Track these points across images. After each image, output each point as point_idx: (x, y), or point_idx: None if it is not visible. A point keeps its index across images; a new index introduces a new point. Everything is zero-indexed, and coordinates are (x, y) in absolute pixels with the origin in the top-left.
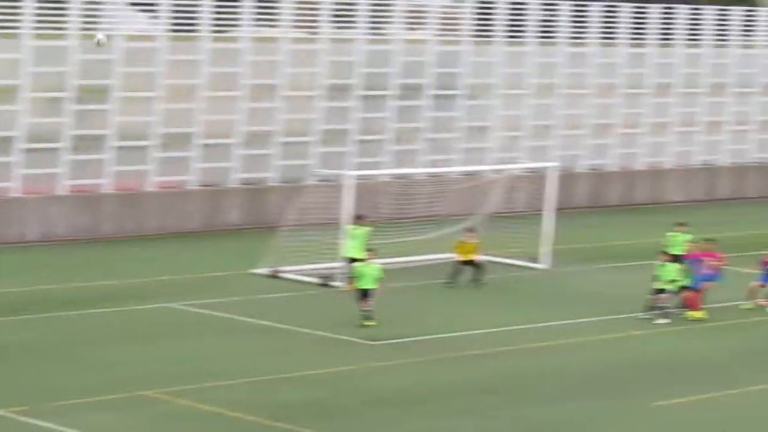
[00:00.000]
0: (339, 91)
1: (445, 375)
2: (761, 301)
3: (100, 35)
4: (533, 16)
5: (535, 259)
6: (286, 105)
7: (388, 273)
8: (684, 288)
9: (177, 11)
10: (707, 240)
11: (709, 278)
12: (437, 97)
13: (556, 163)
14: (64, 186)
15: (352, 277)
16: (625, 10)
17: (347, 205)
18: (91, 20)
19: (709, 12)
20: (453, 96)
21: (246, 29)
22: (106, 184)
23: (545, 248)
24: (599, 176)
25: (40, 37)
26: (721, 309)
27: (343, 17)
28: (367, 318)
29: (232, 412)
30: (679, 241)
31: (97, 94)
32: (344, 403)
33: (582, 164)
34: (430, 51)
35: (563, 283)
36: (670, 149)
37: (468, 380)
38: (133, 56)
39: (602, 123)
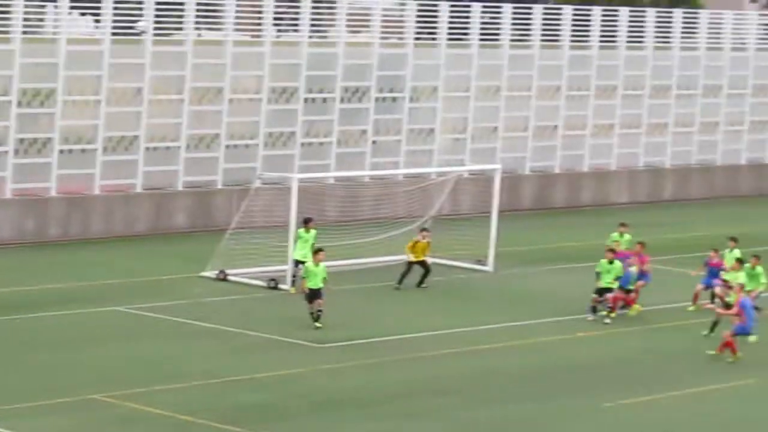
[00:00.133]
0: (283, 94)
1: (393, 377)
2: (706, 304)
3: (141, 24)
4: (476, 18)
5: (480, 262)
6: (231, 108)
7: (336, 276)
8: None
9: (120, 14)
10: (638, 242)
11: (641, 278)
12: (381, 99)
13: (500, 166)
14: (9, 190)
15: (304, 278)
16: (568, 12)
17: (293, 208)
18: (34, 24)
19: (652, 14)
20: (397, 98)
21: (189, 32)
22: (51, 187)
23: (491, 250)
24: (544, 178)
25: None
26: (664, 311)
27: (286, 20)
28: (318, 318)
29: (182, 416)
30: (624, 241)
31: (42, 97)
32: (293, 405)
33: (527, 166)
34: (373, 54)
35: (509, 286)
36: (615, 151)
37: (416, 382)
38: (77, 60)
39: (547, 125)
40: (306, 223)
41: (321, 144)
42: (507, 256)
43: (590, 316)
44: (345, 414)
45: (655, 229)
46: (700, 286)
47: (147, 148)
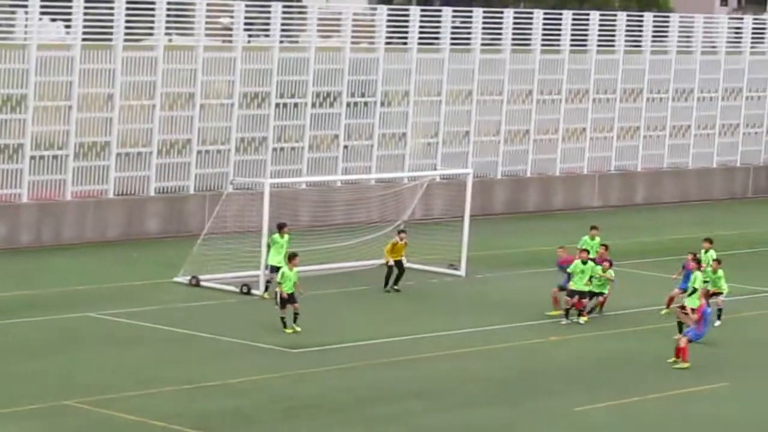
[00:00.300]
0: (255, 99)
1: (365, 382)
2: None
3: (225, 20)
4: (447, 22)
5: (453, 266)
6: (202, 113)
7: (309, 281)
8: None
9: (91, 20)
10: (602, 244)
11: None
12: (353, 104)
13: (472, 170)
14: None
15: (280, 283)
16: (539, 17)
17: (265, 213)
18: (4, 29)
19: (623, 18)
20: (368, 103)
21: (160, 37)
22: (23, 193)
23: (463, 255)
24: (516, 182)
25: None
26: (638, 314)
27: (257, 25)
28: (296, 320)
29: (156, 421)
30: (593, 245)
31: (12, 103)
32: (266, 410)
33: (499, 170)
34: (344, 58)
35: (481, 290)
36: (587, 155)
37: (389, 387)
38: (48, 65)
39: (518, 129)
40: (280, 228)
41: (293, 149)
42: (479, 260)
43: (563, 320)
44: (317, 419)
45: (627, 232)
46: (676, 290)
47: (118, 154)
